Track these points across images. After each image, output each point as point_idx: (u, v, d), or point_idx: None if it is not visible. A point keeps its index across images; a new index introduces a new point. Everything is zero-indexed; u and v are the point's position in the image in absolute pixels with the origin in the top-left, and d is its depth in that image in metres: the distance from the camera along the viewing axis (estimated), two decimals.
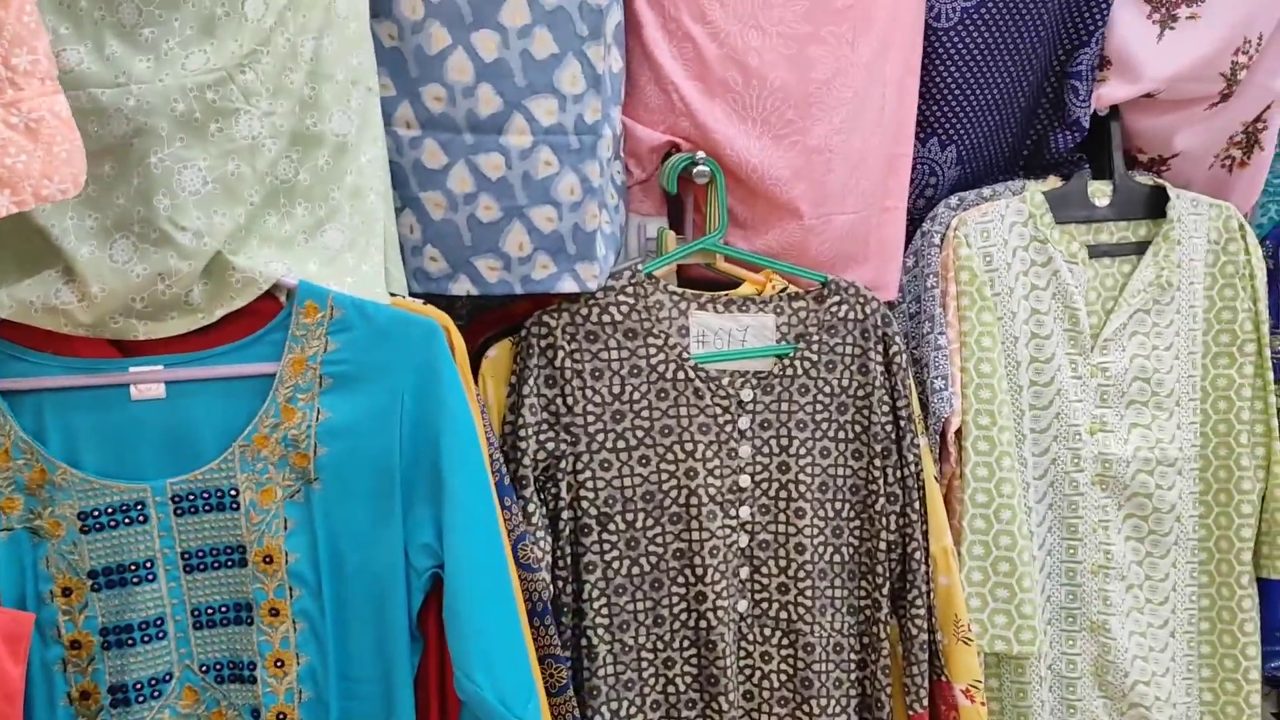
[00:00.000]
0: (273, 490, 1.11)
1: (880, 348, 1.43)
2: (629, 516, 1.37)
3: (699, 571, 1.39)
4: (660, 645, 1.40)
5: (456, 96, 1.25)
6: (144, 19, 1.06)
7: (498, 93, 1.25)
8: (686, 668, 1.40)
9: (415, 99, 1.26)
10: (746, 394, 1.40)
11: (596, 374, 1.35)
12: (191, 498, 1.10)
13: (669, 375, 1.38)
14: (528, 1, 1.24)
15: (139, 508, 1.09)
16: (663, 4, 1.37)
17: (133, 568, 1.10)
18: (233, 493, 1.10)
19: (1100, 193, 1.58)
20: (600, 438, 1.36)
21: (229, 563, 1.12)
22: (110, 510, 1.09)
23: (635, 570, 1.38)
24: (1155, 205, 1.59)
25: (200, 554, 1.11)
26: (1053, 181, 1.58)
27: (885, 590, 1.43)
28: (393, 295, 1.20)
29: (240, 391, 1.11)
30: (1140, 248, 1.58)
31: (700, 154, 1.39)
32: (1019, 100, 1.56)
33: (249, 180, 1.09)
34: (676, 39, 1.38)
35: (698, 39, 1.37)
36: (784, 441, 1.41)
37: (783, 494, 1.42)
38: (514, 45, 1.25)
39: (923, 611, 1.44)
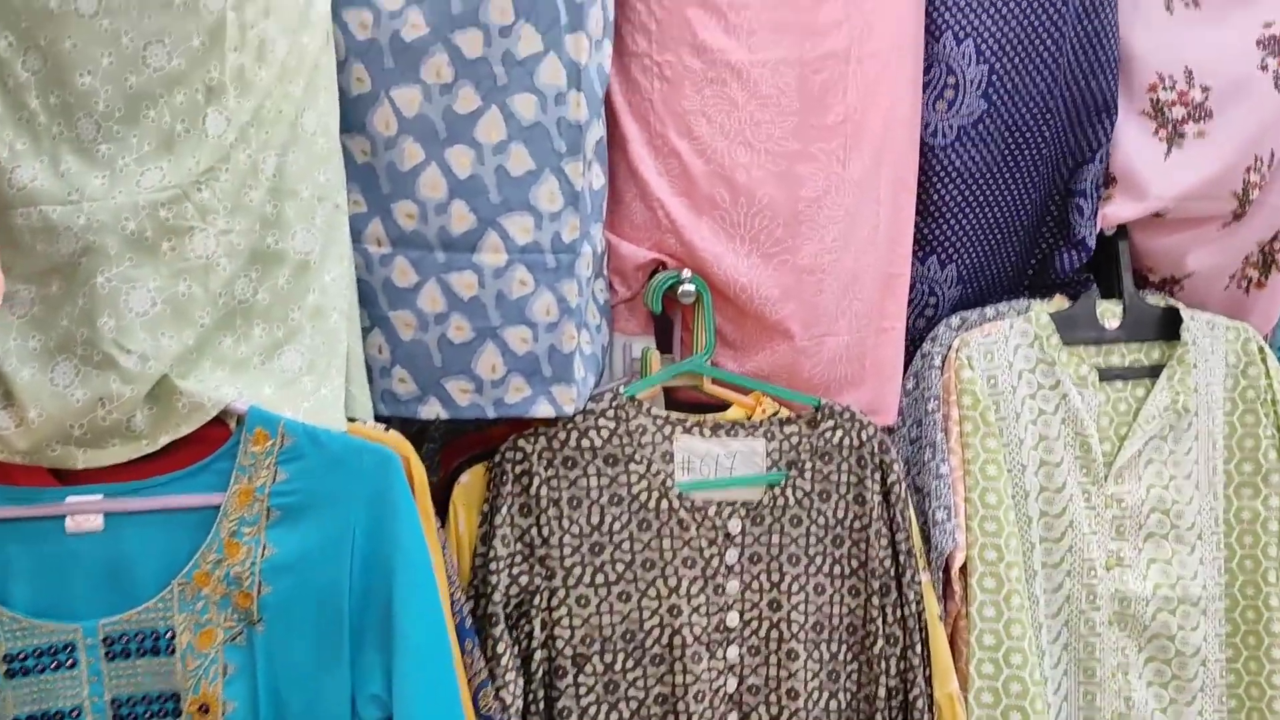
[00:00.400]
0: (213, 632, 1.03)
1: (878, 476, 1.35)
2: (607, 658, 1.28)
3: (683, 719, 1.28)
4: None
5: (429, 213, 1.21)
6: (102, 134, 1.03)
7: (471, 210, 1.21)
8: None
9: (386, 215, 1.21)
10: (734, 525, 1.32)
11: (574, 503, 1.28)
12: (124, 639, 1.02)
13: (652, 505, 1.30)
14: (504, 118, 1.21)
15: (68, 650, 1.01)
16: (648, 119, 1.33)
17: (58, 717, 1.02)
18: (169, 635, 1.02)
19: (1110, 313, 1.51)
20: (577, 571, 1.27)
21: (161, 712, 1.03)
22: (38, 653, 1.01)
23: (614, 717, 1.28)
24: (1168, 327, 1.52)
25: (131, 702, 1.03)
26: (1059, 301, 1.52)
27: None
28: (352, 421, 1.14)
29: (182, 524, 1.04)
30: (1154, 371, 1.51)
31: (686, 272, 1.34)
32: (1021, 218, 1.51)
33: (201, 301, 1.05)
34: (662, 154, 1.34)
35: (684, 155, 1.33)
36: (775, 577, 1.32)
37: (773, 634, 1.32)
38: (489, 162, 1.21)
39: None
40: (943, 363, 1.46)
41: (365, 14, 1.18)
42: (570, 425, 1.28)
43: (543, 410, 1.25)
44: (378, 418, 1.22)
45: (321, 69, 1.14)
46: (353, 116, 1.20)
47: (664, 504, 1.30)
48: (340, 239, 1.17)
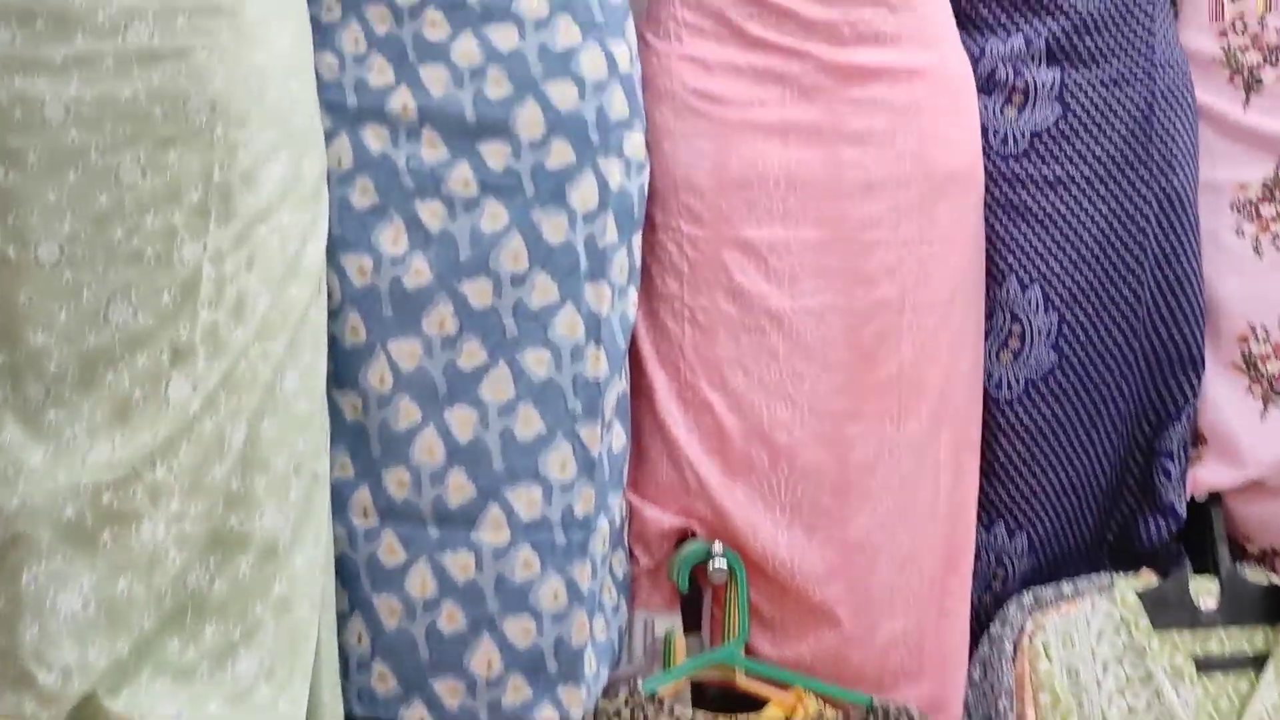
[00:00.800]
0: None
1: None
2: None
3: None
4: None
5: (423, 482, 1.07)
6: (51, 399, 0.92)
7: (471, 479, 1.07)
8: None
9: (376, 483, 1.08)
10: None
11: None
12: None
13: None
14: (512, 375, 1.08)
15: None
16: (678, 368, 1.20)
17: None
18: None
19: (1205, 591, 1.32)
20: None
21: None
22: None
23: None
24: (1273, 608, 1.32)
25: None
26: (1146, 576, 1.32)
27: None
28: None
29: None
30: (1258, 661, 1.30)
31: (718, 545, 1.18)
32: (1099, 480, 1.34)
33: (141, 602, 0.90)
34: (693, 408, 1.20)
35: (717, 409, 1.19)
36: None
37: None
38: (494, 424, 1.07)
39: None
40: (1014, 649, 1.26)
41: (365, 259, 1.07)
42: None
43: (546, 716, 1.07)
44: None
45: (309, 322, 1.02)
46: (345, 370, 1.08)
47: None
48: (318, 514, 1.02)
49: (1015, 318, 1.30)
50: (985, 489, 1.30)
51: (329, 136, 1.07)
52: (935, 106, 1.23)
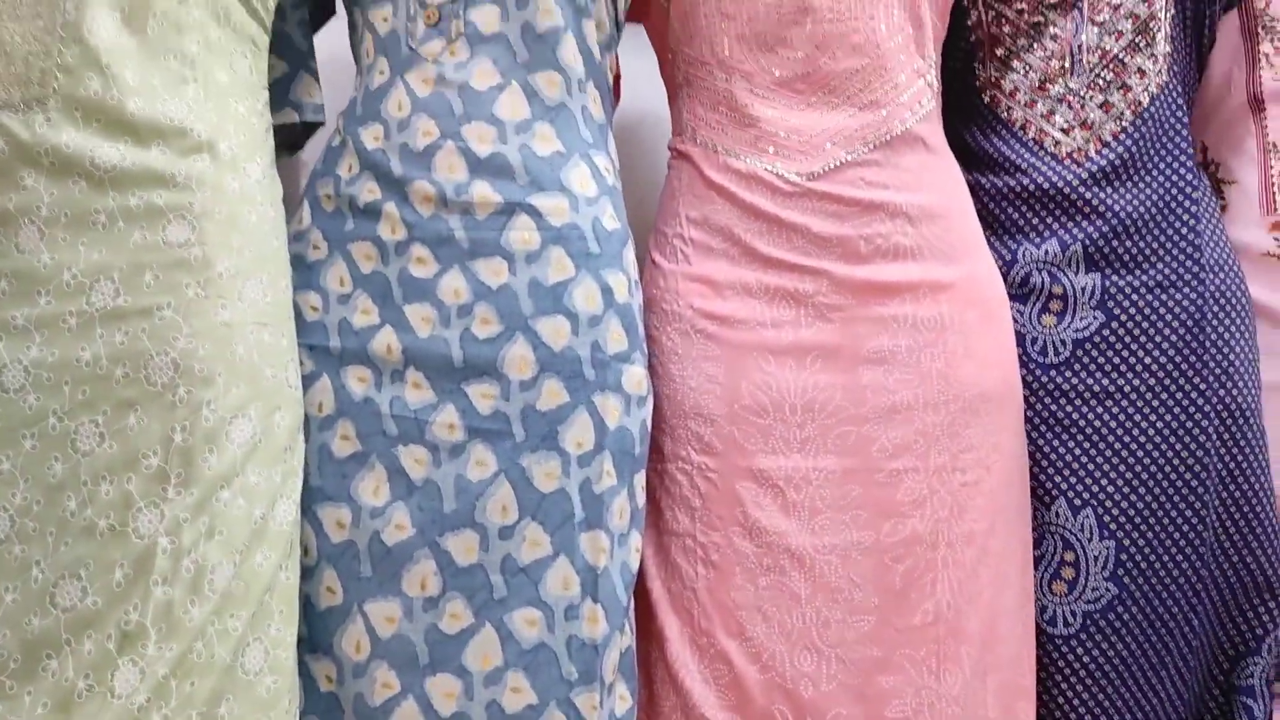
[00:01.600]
0: None
1: None
2: None
3: None
4: None
5: None
6: None
7: None
8: None
9: None
10: None
11: None
12: None
13: None
14: (500, 639, 0.99)
15: None
16: (691, 613, 1.10)
17: None
18: None
19: None
20: None
21: None
22: None
23: None
24: None
25: None
26: None
27: None
28: None
29: None
30: None
31: None
32: None
33: None
34: (708, 657, 1.09)
35: (734, 659, 1.08)
36: None
37: None
38: (479, 695, 0.98)
39: None
40: None
41: (344, 511, 1.00)
42: None
43: None
44: None
45: (278, 588, 0.94)
46: (319, 634, 0.99)
47: None
48: None
49: (1067, 544, 1.18)
50: None
51: (310, 380, 1.02)
52: (963, 321, 1.14)
